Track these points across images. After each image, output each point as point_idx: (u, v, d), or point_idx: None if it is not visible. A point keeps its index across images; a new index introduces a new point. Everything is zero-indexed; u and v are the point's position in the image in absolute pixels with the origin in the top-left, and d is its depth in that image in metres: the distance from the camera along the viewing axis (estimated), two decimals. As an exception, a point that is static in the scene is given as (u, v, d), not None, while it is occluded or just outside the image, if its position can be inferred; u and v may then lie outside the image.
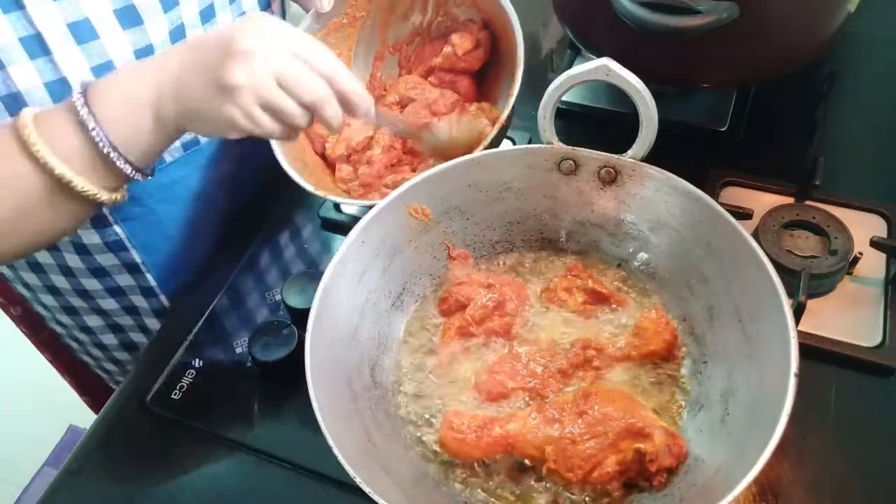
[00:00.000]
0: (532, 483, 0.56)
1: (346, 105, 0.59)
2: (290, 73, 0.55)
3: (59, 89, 0.64)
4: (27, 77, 0.62)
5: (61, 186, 0.55)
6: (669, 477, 0.54)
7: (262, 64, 0.53)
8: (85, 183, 0.56)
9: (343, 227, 0.84)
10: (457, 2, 0.86)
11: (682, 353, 0.62)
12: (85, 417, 0.82)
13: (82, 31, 0.63)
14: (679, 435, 0.56)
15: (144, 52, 0.69)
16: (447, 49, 0.84)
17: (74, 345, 1.01)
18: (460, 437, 0.56)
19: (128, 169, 0.57)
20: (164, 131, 0.57)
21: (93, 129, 0.54)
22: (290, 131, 0.59)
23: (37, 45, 0.62)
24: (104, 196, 0.57)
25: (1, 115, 0.63)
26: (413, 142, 0.80)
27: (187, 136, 0.79)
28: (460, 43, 0.84)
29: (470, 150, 0.69)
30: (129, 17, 0.66)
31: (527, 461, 0.56)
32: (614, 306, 0.66)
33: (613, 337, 0.63)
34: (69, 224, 0.60)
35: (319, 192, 0.75)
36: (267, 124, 0.56)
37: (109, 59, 0.66)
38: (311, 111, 0.57)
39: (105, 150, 0.55)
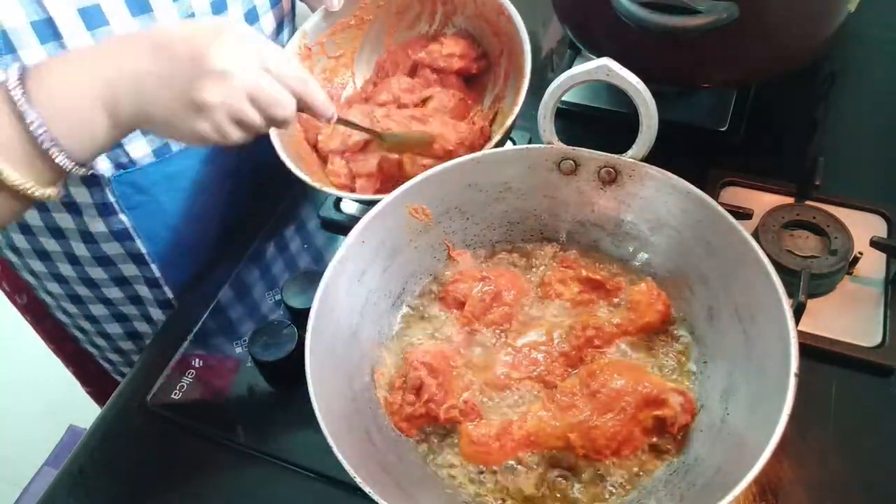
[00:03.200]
0: (533, 480, 0.57)
1: (312, 112, 0.62)
2: (263, 92, 0.56)
3: None
4: (38, 61, 0.63)
5: None
6: (685, 431, 0.57)
7: (237, 83, 0.54)
8: (17, 176, 0.51)
9: (343, 227, 0.84)
10: (465, 14, 0.86)
11: (676, 321, 0.63)
12: (85, 417, 0.82)
13: (93, 17, 0.64)
14: (687, 391, 0.57)
15: None
16: (434, 45, 0.85)
17: (79, 334, 1.01)
18: (484, 450, 0.56)
19: (67, 164, 0.53)
20: (116, 129, 0.55)
21: (31, 121, 0.50)
22: (252, 138, 0.60)
23: (48, 30, 0.62)
24: (37, 191, 0.53)
25: None
26: (371, 140, 0.80)
27: None
28: (448, 44, 0.85)
29: (420, 151, 0.77)
30: (139, 5, 0.67)
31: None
32: (611, 292, 0.66)
33: (610, 314, 0.64)
34: (8, 216, 0.56)
35: (317, 184, 0.75)
36: (234, 136, 0.57)
37: None
38: (273, 124, 0.59)
39: (44, 145, 0.51)
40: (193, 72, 0.52)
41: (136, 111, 0.54)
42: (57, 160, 0.52)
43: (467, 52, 0.85)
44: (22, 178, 0.52)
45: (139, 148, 0.76)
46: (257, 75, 0.55)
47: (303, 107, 0.61)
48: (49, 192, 0.54)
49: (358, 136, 0.82)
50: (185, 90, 0.53)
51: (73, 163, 0.53)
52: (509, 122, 0.73)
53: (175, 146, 0.79)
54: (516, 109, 0.73)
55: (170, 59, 0.53)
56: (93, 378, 1.11)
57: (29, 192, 0.53)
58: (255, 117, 0.57)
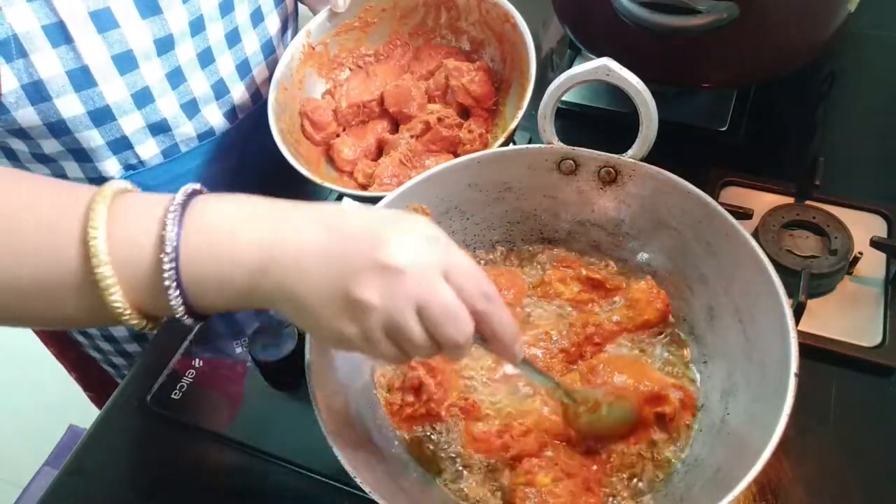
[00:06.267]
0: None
1: (494, 345, 0.47)
2: (436, 304, 0.42)
3: (80, 77, 0.65)
4: (49, 65, 0.63)
5: (96, 291, 0.42)
6: (686, 430, 0.57)
7: (408, 288, 0.42)
8: (126, 306, 0.43)
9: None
10: (469, 20, 0.86)
11: (676, 320, 0.63)
12: (85, 417, 0.82)
13: (103, 20, 0.64)
14: (686, 387, 0.58)
15: (164, 41, 0.69)
16: (465, 67, 0.83)
17: (82, 339, 1.01)
18: (486, 447, 0.57)
19: (186, 320, 0.45)
20: (245, 297, 0.44)
21: (173, 295, 0.43)
22: (404, 361, 0.47)
23: (59, 33, 0.62)
24: (135, 320, 0.45)
25: (24, 105, 0.64)
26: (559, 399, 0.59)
27: (202, 127, 0.80)
28: (473, 78, 0.82)
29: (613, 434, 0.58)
30: (148, 6, 0.67)
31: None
32: (611, 292, 0.66)
33: (609, 312, 0.64)
34: (85, 322, 0.48)
35: (317, 179, 0.75)
36: (385, 351, 0.44)
37: (129, 48, 0.67)
38: (441, 348, 0.45)
39: (165, 283, 0.43)
40: (360, 260, 0.41)
41: (279, 287, 0.43)
42: (171, 302, 0.43)
43: (483, 98, 0.83)
44: (130, 309, 0.43)
45: (149, 148, 0.76)
46: (434, 283, 0.42)
47: (484, 334, 0.45)
48: (147, 324, 0.46)
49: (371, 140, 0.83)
50: (345, 280, 0.42)
51: (185, 310, 0.44)
52: (512, 126, 0.73)
53: (184, 146, 0.78)
54: (520, 114, 0.73)
55: (339, 240, 0.42)
56: (94, 383, 1.10)
57: (127, 320, 0.44)
58: (417, 334, 0.43)
